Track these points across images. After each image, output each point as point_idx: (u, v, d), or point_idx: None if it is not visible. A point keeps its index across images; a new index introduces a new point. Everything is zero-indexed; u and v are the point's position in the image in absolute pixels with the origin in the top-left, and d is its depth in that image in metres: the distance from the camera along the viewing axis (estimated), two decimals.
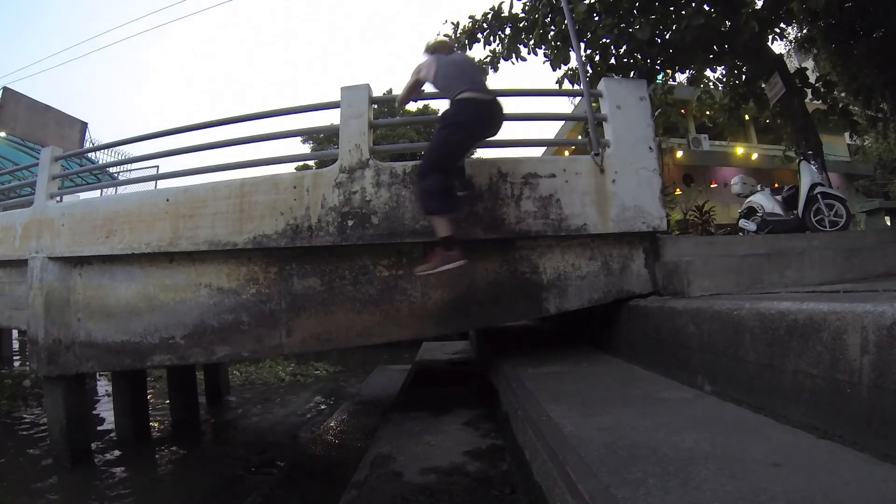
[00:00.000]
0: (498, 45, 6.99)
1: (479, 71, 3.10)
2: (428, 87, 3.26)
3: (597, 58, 6.31)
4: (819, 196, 5.05)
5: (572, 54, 6.20)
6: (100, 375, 7.72)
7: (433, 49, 3.26)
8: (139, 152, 12.74)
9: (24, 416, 6.03)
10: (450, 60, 3.08)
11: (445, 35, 7.10)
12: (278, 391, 7.59)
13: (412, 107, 18.75)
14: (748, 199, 5.74)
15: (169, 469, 4.42)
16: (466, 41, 6.94)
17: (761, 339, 1.84)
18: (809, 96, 6.44)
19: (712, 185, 14.40)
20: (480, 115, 2.92)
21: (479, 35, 6.96)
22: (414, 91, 3.28)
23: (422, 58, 3.24)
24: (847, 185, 14.68)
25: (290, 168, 14.70)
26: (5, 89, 11.31)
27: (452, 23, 7.14)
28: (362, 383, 7.87)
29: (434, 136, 2.99)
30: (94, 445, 4.67)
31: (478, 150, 3.53)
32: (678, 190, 12.44)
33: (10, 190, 6.44)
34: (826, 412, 1.54)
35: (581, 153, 3.64)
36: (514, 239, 3.40)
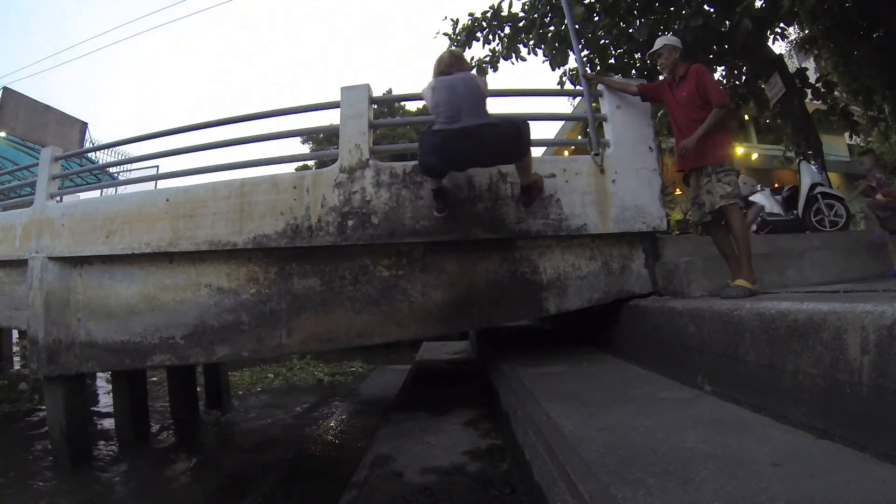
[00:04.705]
0: (497, 45, 6.99)
1: (471, 94, 2.84)
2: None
3: (596, 59, 6.32)
4: (819, 196, 5.06)
5: (571, 54, 6.21)
6: (100, 376, 7.71)
7: (435, 71, 3.05)
8: (139, 152, 12.74)
9: (25, 415, 6.03)
10: (448, 84, 2.88)
11: (445, 33, 7.11)
12: (278, 391, 7.58)
13: (412, 106, 18.76)
14: (748, 199, 5.74)
15: (169, 469, 4.42)
16: (465, 39, 6.95)
17: (761, 339, 1.84)
18: (809, 96, 6.44)
19: None
20: (434, 149, 2.81)
21: (479, 34, 6.97)
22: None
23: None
24: (847, 185, 14.66)
25: (290, 168, 14.69)
26: (5, 89, 11.31)
27: (452, 20, 7.14)
28: (362, 383, 7.87)
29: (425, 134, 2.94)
30: (93, 445, 4.66)
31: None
32: (678, 190, 12.41)
33: (10, 190, 6.44)
34: (826, 412, 1.54)
35: (581, 153, 3.64)
36: (515, 239, 3.40)
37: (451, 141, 2.77)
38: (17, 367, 8.99)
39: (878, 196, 4.28)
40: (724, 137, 2.92)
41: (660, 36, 3.66)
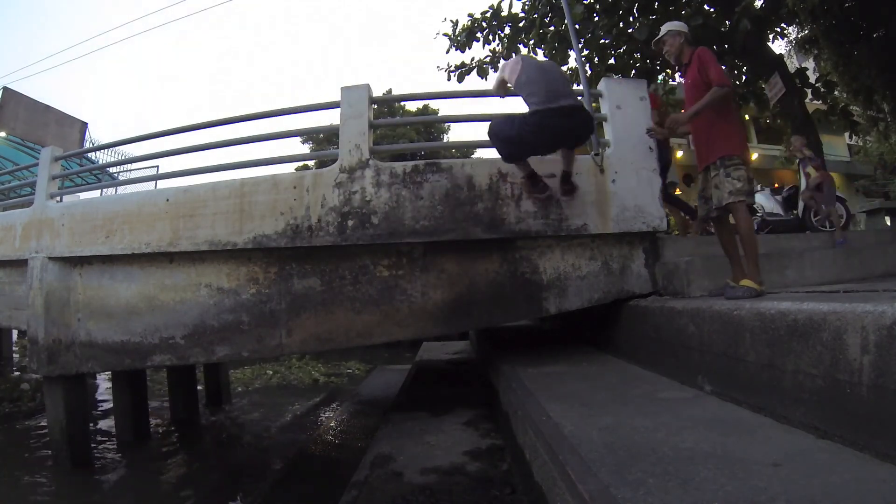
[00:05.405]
0: (497, 45, 6.99)
1: (563, 77, 3.07)
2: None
3: (595, 58, 6.32)
4: None
5: (571, 54, 6.21)
6: (100, 376, 7.70)
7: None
8: (139, 152, 12.71)
9: (26, 416, 6.02)
10: (537, 65, 3.03)
11: (445, 34, 7.11)
12: (279, 391, 7.58)
13: (412, 106, 18.75)
14: None
15: (169, 469, 4.42)
16: (465, 39, 6.94)
17: (761, 339, 1.84)
18: (809, 96, 6.44)
19: None
20: (543, 127, 2.87)
21: (479, 34, 6.96)
22: (501, 87, 3.28)
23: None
24: (847, 185, 14.66)
25: (290, 168, 14.70)
26: (5, 89, 11.30)
27: (451, 20, 7.14)
28: (362, 383, 7.87)
29: (512, 121, 2.97)
30: (93, 445, 4.66)
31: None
32: (678, 190, 12.41)
33: (10, 190, 6.44)
34: (826, 412, 1.54)
35: (581, 153, 3.64)
36: (515, 239, 3.40)
37: (551, 118, 2.84)
38: (17, 367, 8.98)
39: (810, 170, 4.88)
40: (731, 127, 2.76)
41: None
